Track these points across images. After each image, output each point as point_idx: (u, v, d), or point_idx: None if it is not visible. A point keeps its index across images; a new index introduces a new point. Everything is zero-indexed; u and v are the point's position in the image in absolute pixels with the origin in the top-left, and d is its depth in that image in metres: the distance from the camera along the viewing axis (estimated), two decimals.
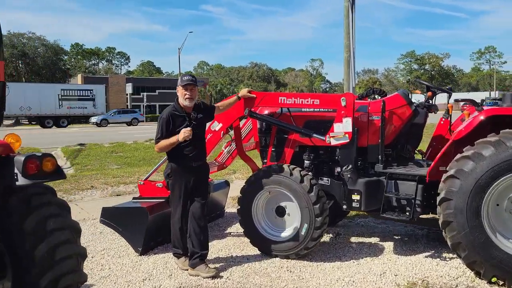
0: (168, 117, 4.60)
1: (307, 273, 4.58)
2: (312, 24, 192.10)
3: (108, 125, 43.96)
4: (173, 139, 4.52)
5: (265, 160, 5.64)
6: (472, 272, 4.28)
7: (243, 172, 10.61)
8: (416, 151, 5.59)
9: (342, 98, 4.92)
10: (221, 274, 4.55)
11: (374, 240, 5.63)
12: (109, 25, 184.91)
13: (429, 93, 5.32)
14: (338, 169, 5.17)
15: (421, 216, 5.06)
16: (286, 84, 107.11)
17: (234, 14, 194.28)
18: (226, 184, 7.01)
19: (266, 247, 5.05)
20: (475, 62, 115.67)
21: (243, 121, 5.95)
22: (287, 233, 4.97)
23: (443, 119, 5.53)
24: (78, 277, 3.11)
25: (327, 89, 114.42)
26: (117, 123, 45.65)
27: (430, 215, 5.27)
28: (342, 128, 4.92)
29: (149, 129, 27.93)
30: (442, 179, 4.28)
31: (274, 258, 4.95)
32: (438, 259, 4.85)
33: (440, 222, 4.28)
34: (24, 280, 2.84)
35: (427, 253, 5.05)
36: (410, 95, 5.63)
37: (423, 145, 5.69)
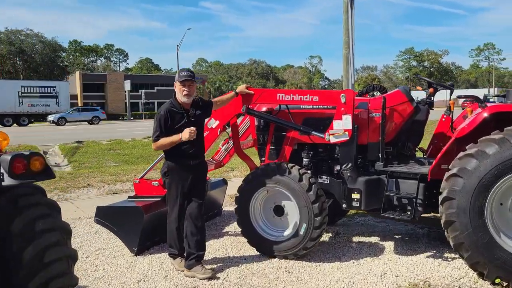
0: (165, 114, 4.45)
1: (306, 274, 4.47)
2: (311, 21, 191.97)
3: (67, 123, 41.38)
4: (175, 138, 4.37)
5: (263, 158, 5.53)
6: (475, 273, 4.18)
7: (241, 170, 10.49)
8: (417, 149, 5.48)
9: (342, 94, 4.81)
10: (218, 275, 4.44)
11: (374, 239, 5.53)
12: (107, 22, 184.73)
13: (431, 90, 5.20)
14: (338, 168, 5.06)
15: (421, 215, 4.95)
16: (285, 81, 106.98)
17: (233, 11, 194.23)
18: (224, 182, 6.91)
19: (264, 247, 4.94)
20: (474, 59, 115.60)
21: (241, 118, 5.85)
22: (285, 232, 4.86)
23: (445, 116, 5.42)
24: (69, 280, 3.00)
25: (326, 86, 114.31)
26: (77, 121, 43.04)
27: (431, 214, 5.17)
28: (342, 126, 4.80)
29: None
30: (445, 177, 4.17)
31: (272, 259, 4.84)
32: (440, 259, 4.74)
33: (442, 221, 4.17)
34: (12, 283, 2.73)
35: (429, 253, 4.94)
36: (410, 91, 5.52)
37: (424, 143, 5.58)
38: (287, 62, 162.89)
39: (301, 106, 5.27)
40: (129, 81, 58.41)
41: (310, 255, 4.90)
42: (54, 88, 46.15)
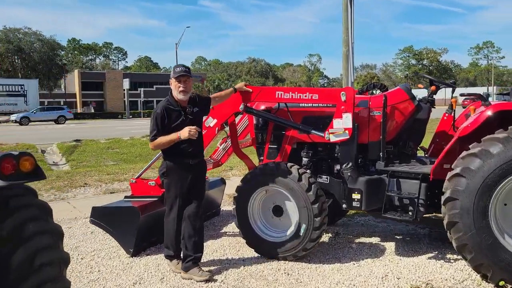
0: (162, 112, 4.31)
1: (306, 276, 4.37)
2: (311, 19, 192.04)
3: (30, 123, 39.83)
4: (173, 136, 4.23)
5: (262, 158, 5.43)
6: (479, 275, 4.09)
7: (240, 169, 10.40)
8: (418, 148, 5.39)
9: (342, 92, 4.70)
10: (216, 277, 4.34)
11: (374, 240, 5.44)
12: (106, 21, 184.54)
13: (433, 87, 5.10)
14: (338, 167, 4.96)
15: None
16: (284, 80, 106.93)
17: (232, 9, 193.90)
18: (222, 182, 6.82)
19: (262, 249, 4.85)
20: (473, 57, 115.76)
21: (239, 116, 5.74)
22: (284, 233, 4.76)
23: (446, 115, 5.33)
24: (60, 285, 2.90)
25: (325, 84, 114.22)
26: (41, 121, 41.24)
27: (432, 214, 5.08)
28: (342, 124, 4.70)
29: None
30: (447, 177, 4.08)
31: (271, 260, 4.74)
32: (442, 260, 4.65)
33: (445, 222, 4.07)
34: None
35: (430, 254, 4.85)
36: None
37: (425, 141, 5.48)
38: (286, 60, 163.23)
39: (301, 104, 5.17)
40: (128, 79, 58.32)
41: (309, 256, 4.80)
42: (22, 87, 44.93)
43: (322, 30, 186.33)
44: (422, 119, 5.06)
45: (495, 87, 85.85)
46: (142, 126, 28.89)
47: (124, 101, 59.62)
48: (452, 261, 4.62)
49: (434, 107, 5.18)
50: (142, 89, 61.88)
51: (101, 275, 4.51)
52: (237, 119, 5.61)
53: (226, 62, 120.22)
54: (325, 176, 5.02)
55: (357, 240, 5.43)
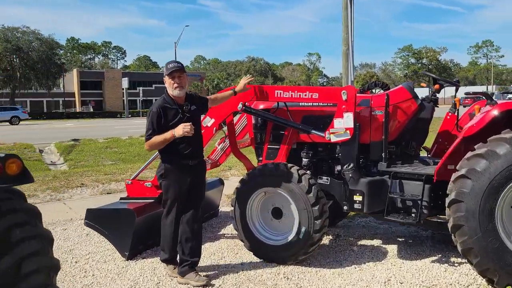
0: (158, 111, 4.15)
1: (306, 280, 4.24)
2: (310, 18, 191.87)
3: None
4: (167, 135, 4.05)
5: (261, 158, 5.30)
6: (484, 280, 3.96)
7: (239, 169, 10.26)
8: (421, 148, 5.26)
9: (343, 91, 4.57)
10: (213, 282, 4.21)
11: (376, 242, 5.31)
12: (105, 20, 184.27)
13: (436, 86, 4.97)
14: (339, 168, 4.83)
15: None
16: (283, 79, 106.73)
17: (232, 8, 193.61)
18: (220, 182, 6.70)
19: (261, 252, 4.72)
20: (473, 56, 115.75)
21: (238, 116, 5.61)
22: (284, 236, 4.63)
23: (450, 114, 5.21)
24: None
25: (325, 83, 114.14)
26: None
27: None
28: (343, 124, 4.57)
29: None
30: (452, 179, 3.95)
31: (270, 264, 4.62)
32: (446, 264, 4.52)
33: (449, 225, 3.94)
34: None
35: (434, 258, 4.72)
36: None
37: (428, 141, 5.35)
38: (285, 59, 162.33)
39: (300, 104, 5.03)
40: (126, 78, 58.17)
41: (309, 260, 4.67)
42: None
43: (321, 29, 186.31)
44: (425, 118, 4.93)
45: (494, 86, 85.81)
46: (140, 125, 28.76)
47: (123, 100, 59.50)
48: (456, 264, 4.49)
49: (438, 106, 5.06)
50: (141, 88, 61.78)
51: (95, 279, 4.38)
52: (235, 119, 5.48)
53: (226, 61, 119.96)
54: (326, 177, 4.89)
55: (358, 243, 5.31)
